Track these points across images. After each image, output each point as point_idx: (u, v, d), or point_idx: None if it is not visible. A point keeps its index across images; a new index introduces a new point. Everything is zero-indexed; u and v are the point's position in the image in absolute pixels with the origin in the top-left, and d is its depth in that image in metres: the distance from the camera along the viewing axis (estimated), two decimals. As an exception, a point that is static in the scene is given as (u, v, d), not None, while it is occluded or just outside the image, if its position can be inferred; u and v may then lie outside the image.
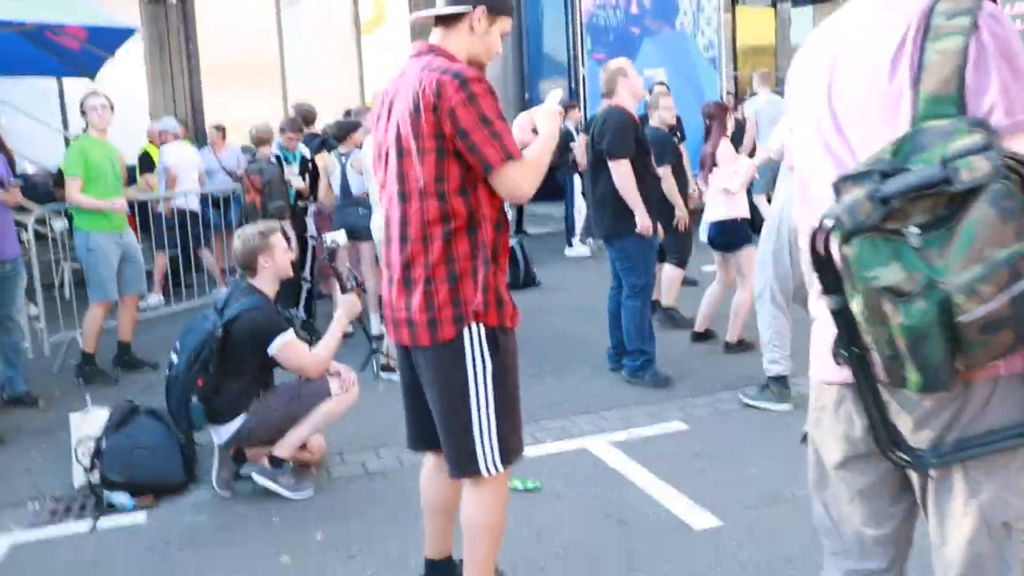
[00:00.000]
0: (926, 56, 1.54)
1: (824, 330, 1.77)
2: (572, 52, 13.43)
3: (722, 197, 6.08)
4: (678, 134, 9.08)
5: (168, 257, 8.71)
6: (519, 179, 2.55)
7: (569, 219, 10.93)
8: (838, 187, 1.53)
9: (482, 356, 2.61)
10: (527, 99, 14.31)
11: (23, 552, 3.73)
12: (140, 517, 4.00)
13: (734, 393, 5.29)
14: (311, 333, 6.73)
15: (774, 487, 3.97)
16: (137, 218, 7.76)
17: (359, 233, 6.57)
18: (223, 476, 4.20)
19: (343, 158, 6.87)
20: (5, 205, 5.45)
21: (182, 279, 8.64)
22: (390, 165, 2.65)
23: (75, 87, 6.88)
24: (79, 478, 4.28)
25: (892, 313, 1.44)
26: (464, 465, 2.69)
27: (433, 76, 2.49)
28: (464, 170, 2.54)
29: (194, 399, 4.07)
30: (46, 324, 6.82)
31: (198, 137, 11.61)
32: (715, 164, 6.14)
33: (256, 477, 4.14)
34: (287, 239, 6.33)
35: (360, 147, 6.62)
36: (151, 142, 9.71)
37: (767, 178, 7.08)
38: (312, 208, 7.68)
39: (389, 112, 2.66)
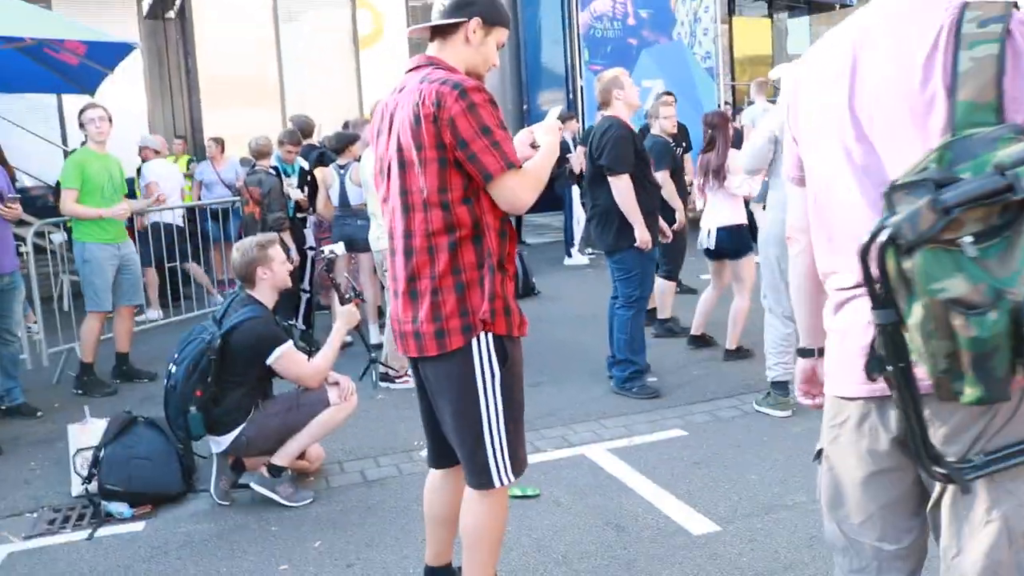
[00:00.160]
0: (960, 63, 1.52)
1: (844, 343, 1.75)
2: (570, 63, 13.48)
3: (726, 203, 6.08)
4: (683, 144, 9.12)
5: (167, 269, 8.70)
6: (518, 189, 2.54)
7: (568, 229, 10.95)
8: (890, 196, 1.49)
9: (491, 365, 2.60)
10: (525, 110, 14.35)
11: (21, 561, 3.72)
12: (138, 526, 3.99)
13: (733, 400, 5.30)
14: (310, 343, 6.74)
15: (773, 494, 3.96)
16: (136, 231, 7.78)
17: (357, 244, 6.59)
18: (221, 485, 4.19)
19: (341, 170, 6.89)
20: (5, 219, 5.46)
21: (180, 291, 8.65)
22: (392, 178, 2.65)
23: (74, 102, 6.91)
24: (77, 488, 4.27)
25: (963, 326, 1.41)
26: (477, 476, 2.68)
27: (433, 87, 2.49)
28: (467, 179, 2.53)
29: (192, 409, 4.06)
30: (45, 336, 6.83)
31: (197, 151, 11.66)
32: (726, 174, 6.08)
33: (254, 486, 4.13)
34: (286, 251, 6.36)
35: (358, 159, 6.64)
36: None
37: (763, 187, 7.08)
38: (311, 220, 7.70)
39: (390, 127, 2.66)
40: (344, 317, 4.41)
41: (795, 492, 3.97)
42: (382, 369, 5.93)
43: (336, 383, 4.28)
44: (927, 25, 1.58)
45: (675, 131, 6.97)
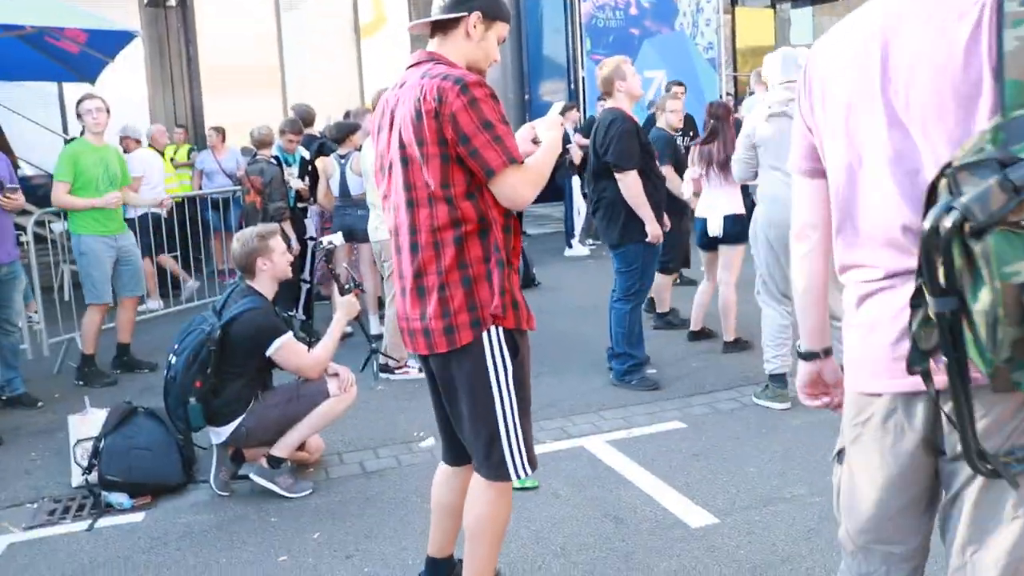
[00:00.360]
0: (1005, 44, 1.49)
1: (870, 338, 1.71)
2: (571, 54, 13.46)
3: (726, 194, 6.06)
4: (691, 134, 9.10)
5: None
6: (519, 185, 2.53)
7: (568, 220, 10.95)
8: (955, 176, 1.43)
9: (503, 359, 2.60)
10: (527, 100, 14.33)
11: (21, 551, 3.73)
12: (138, 517, 4.01)
13: (732, 393, 5.31)
14: (310, 334, 6.75)
15: (771, 486, 3.97)
16: (137, 222, 7.78)
17: (357, 234, 6.59)
18: (221, 476, 4.21)
19: (342, 160, 6.88)
20: (4, 209, 5.45)
21: (181, 280, 8.65)
22: (395, 175, 2.64)
23: (75, 91, 6.91)
24: (77, 478, 4.29)
25: None
26: (495, 470, 2.68)
27: (434, 82, 2.48)
28: (469, 175, 2.52)
29: (192, 400, 4.07)
30: (45, 326, 6.84)
31: (198, 140, 11.65)
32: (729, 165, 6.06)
33: (254, 477, 4.14)
34: (287, 241, 6.36)
35: (359, 149, 6.63)
36: (151, 146, 9.74)
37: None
38: (314, 210, 7.70)
39: (391, 123, 2.65)
40: (344, 308, 4.42)
41: (793, 485, 3.97)
42: (382, 360, 5.93)
43: (336, 374, 4.29)
44: (966, 5, 1.54)
45: (681, 125, 6.95)
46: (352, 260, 7.13)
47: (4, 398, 5.66)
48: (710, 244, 6.25)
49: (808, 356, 2.02)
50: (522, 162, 2.54)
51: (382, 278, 6.29)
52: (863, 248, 1.72)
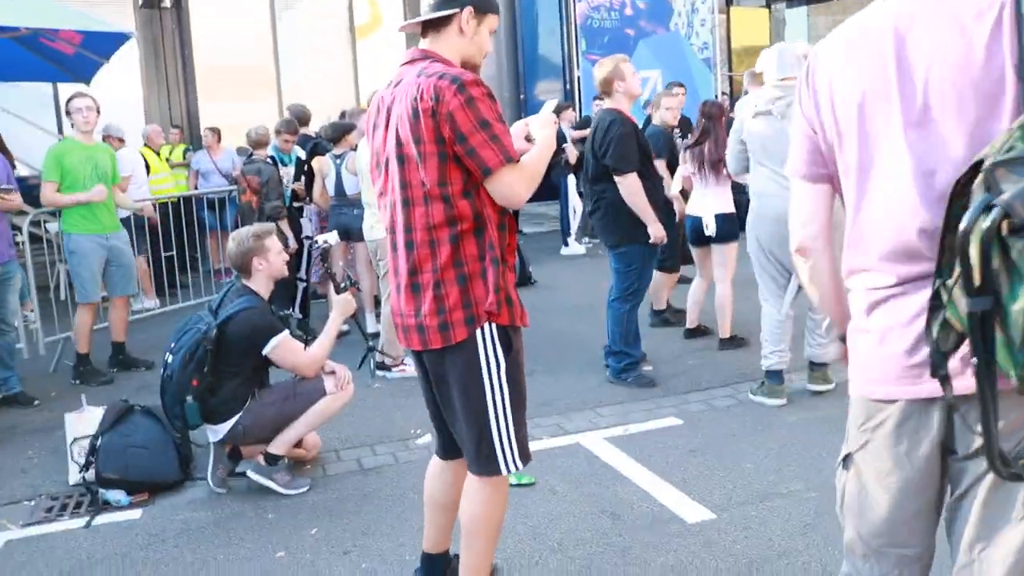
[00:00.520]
0: None
1: (883, 345, 1.68)
2: (567, 54, 13.48)
3: (717, 192, 6.08)
4: (689, 135, 9.11)
5: (163, 259, 8.69)
6: (515, 184, 2.54)
7: (564, 219, 10.96)
8: (992, 173, 1.39)
9: (496, 355, 2.61)
10: (522, 100, 14.35)
11: (19, 548, 3.74)
12: (135, 514, 4.01)
13: (728, 389, 5.32)
14: (306, 332, 6.75)
15: (768, 482, 3.99)
16: (132, 222, 7.77)
17: (353, 234, 6.60)
18: (219, 473, 4.21)
19: (337, 160, 6.89)
20: (0, 209, 5.44)
21: (177, 279, 8.65)
22: (391, 173, 2.65)
23: (70, 92, 6.89)
24: (74, 476, 4.29)
25: None
26: (486, 465, 2.69)
27: (431, 81, 2.49)
28: (466, 173, 2.54)
29: (189, 399, 4.07)
30: (41, 324, 6.83)
31: (193, 141, 11.65)
32: (723, 167, 6.06)
33: (251, 474, 4.15)
34: (284, 239, 6.36)
35: (355, 148, 6.64)
36: (146, 145, 9.74)
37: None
38: (312, 210, 7.70)
39: (387, 121, 2.65)
40: (340, 306, 4.42)
41: (789, 480, 3.99)
42: (379, 358, 5.93)
43: (332, 372, 4.30)
44: (983, 4, 1.53)
45: (676, 123, 6.96)
46: (348, 259, 7.13)
47: (1, 397, 5.66)
48: (701, 240, 6.27)
49: (843, 339, 1.98)
50: (518, 161, 2.55)
51: (378, 276, 6.30)
52: (874, 253, 1.69)
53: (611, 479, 4.12)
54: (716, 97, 12.36)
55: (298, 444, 4.34)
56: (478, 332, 2.59)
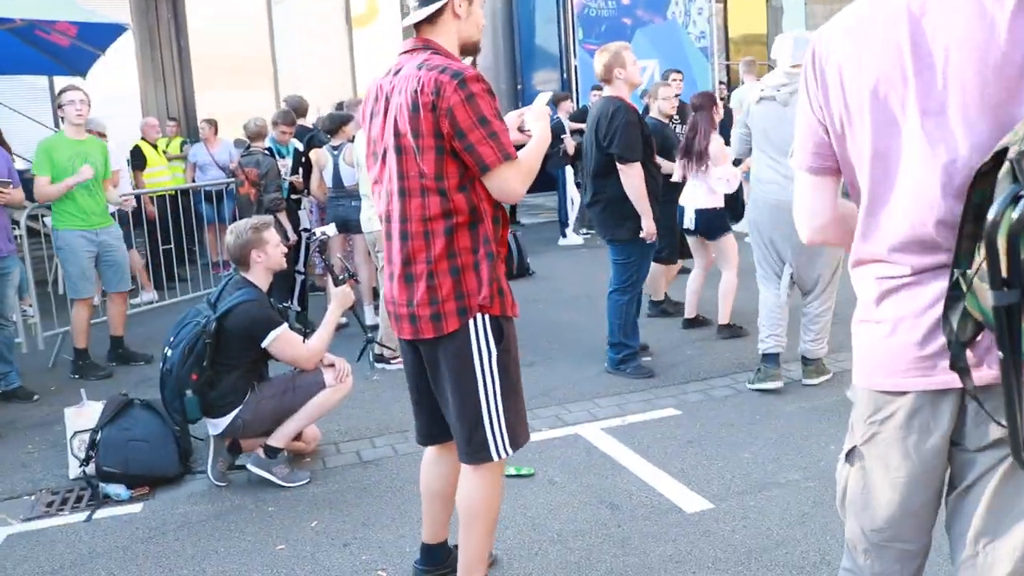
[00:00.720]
0: None
1: (894, 335, 1.65)
2: (564, 43, 13.45)
3: (704, 186, 6.10)
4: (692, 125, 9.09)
5: (161, 252, 8.68)
6: (513, 180, 2.56)
7: (562, 209, 10.96)
8: (1021, 163, 1.36)
9: (487, 345, 2.64)
10: (519, 90, 14.32)
11: (20, 543, 3.74)
12: (136, 508, 4.02)
13: (727, 379, 5.34)
14: (305, 325, 6.76)
15: (766, 472, 4.00)
16: (130, 215, 7.76)
17: (351, 225, 6.59)
18: (218, 467, 4.22)
19: (335, 151, 6.88)
20: (2, 204, 5.43)
21: (175, 273, 8.64)
22: (388, 163, 2.66)
23: (65, 84, 6.87)
24: (74, 470, 4.30)
25: None
26: (476, 452, 2.71)
27: (432, 75, 2.49)
28: (463, 167, 2.55)
29: (188, 392, 4.07)
30: (40, 319, 6.83)
31: (190, 133, 11.62)
32: (706, 159, 6.10)
33: (251, 467, 4.16)
34: (283, 231, 6.36)
35: (352, 140, 6.63)
36: (143, 138, 9.72)
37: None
38: (311, 202, 7.69)
39: (385, 109, 2.65)
40: (339, 298, 4.42)
41: (787, 470, 4.00)
42: (377, 350, 5.94)
43: (331, 365, 4.30)
44: None
45: (673, 112, 6.95)
46: (346, 251, 7.13)
47: (0, 392, 5.66)
48: (693, 231, 6.32)
49: None
50: (516, 158, 2.56)
51: (376, 268, 6.30)
52: (886, 243, 1.65)
53: (610, 470, 4.13)
54: (713, 86, 12.34)
55: (297, 437, 4.35)
56: (470, 323, 2.61)
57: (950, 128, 1.54)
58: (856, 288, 1.77)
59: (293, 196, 7.42)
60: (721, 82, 13.54)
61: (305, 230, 7.43)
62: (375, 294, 6.91)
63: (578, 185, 10.44)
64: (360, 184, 6.17)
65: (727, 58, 15.01)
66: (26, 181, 6.02)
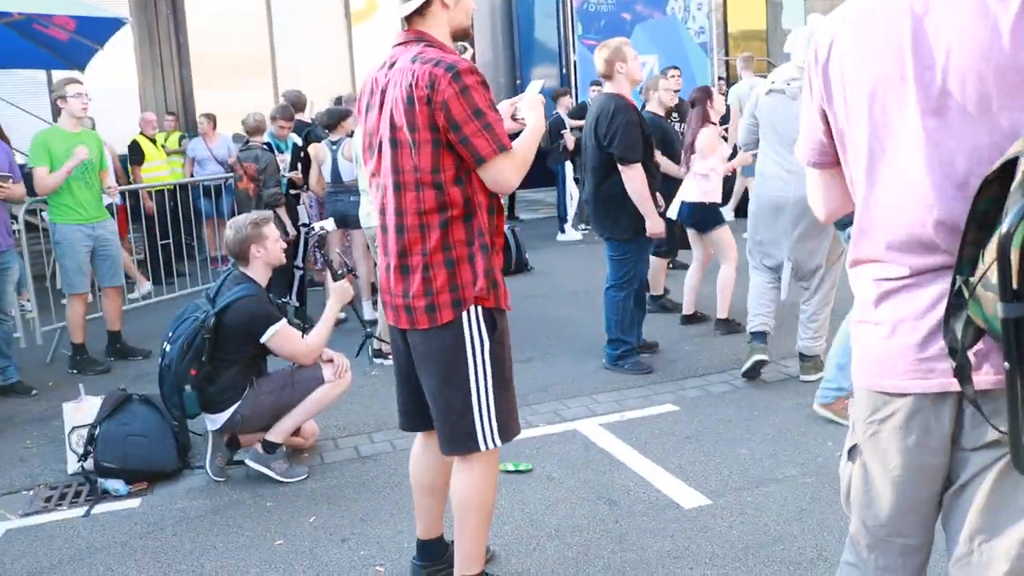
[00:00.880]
0: None
1: (893, 337, 1.65)
2: (563, 38, 13.42)
3: (697, 180, 6.12)
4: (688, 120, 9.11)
5: (159, 246, 8.67)
6: (508, 171, 2.58)
7: (561, 205, 10.96)
8: None
9: (480, 337, 2.66)
10: (518, 84, 14.29)
11: (19, 538, 3.75)
12: (134, 503, 4.03)
13: (725, 376, 5.34)
14: (303, 320, 6.76)
15: (763, 468, 4.01)
16: (128, 210, 7.75)
17: (350, 220, 6.59)
18: (217, 462, 4.22)
19: (334, 146, 6.88)
20: (1, 199, 5.42)
21: (174, 268, 8.64)
22: (384, 156, 2.67)
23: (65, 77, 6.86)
24: (72, 465, 4.30)
25: None
26: (462, 442, 2.72)
27: (426, 68, 2.50)
28: (458, 160, 2.57)
29: (187, 388, 4.07)
30: (38, 314, 6.83)
31: (188, 128, 11.60)
32: (693, 151, 6.17)
33: (250, 462, 4.16)
34: (282, 226, 6.35)
35: (351, 135, 6.63)
36: (142, 133, 9.71)
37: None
38: (311, 197, 7.68)
39: (380, 102, 2.66)
40: (337, 294, 4.42)
41: (785, 466, 4.01)
42: (376, 345, 5.94)
43: (330, 360, 4.31)
44: None
45: (675, 102, 6.96)
46: (345, 246, 7.13)
47: (-2, 386, 5.67)
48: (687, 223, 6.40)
49: None
50: (511, 148, 2.57)
51: (375, 263, 6.29)
52: (884, 243, 1.65)
53: (608, 465, 4.14)
54: (712, 82, 12.33)
55: (296, 432, 4.35)
56: (464, 314, 2.64)
57: (949, 129, 1.53)
58: (854, 288, 1.77)
59: (292, 191, 7.42)
60: (720, 78, 13.54)
61: (304, 225, 7.43)
62: (374, 289, 6.91)
63: (577, 181, 10.44)
64: (359, 179, 6.16)
65: (726, 54, 15.00)
66: (26, 176, 6.01)
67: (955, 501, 1.69)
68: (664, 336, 6.21)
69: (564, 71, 13.54)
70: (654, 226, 5.26)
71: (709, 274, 6.50)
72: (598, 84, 9.47)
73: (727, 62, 14.97)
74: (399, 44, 2.68)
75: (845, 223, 4.25)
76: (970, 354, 1.51)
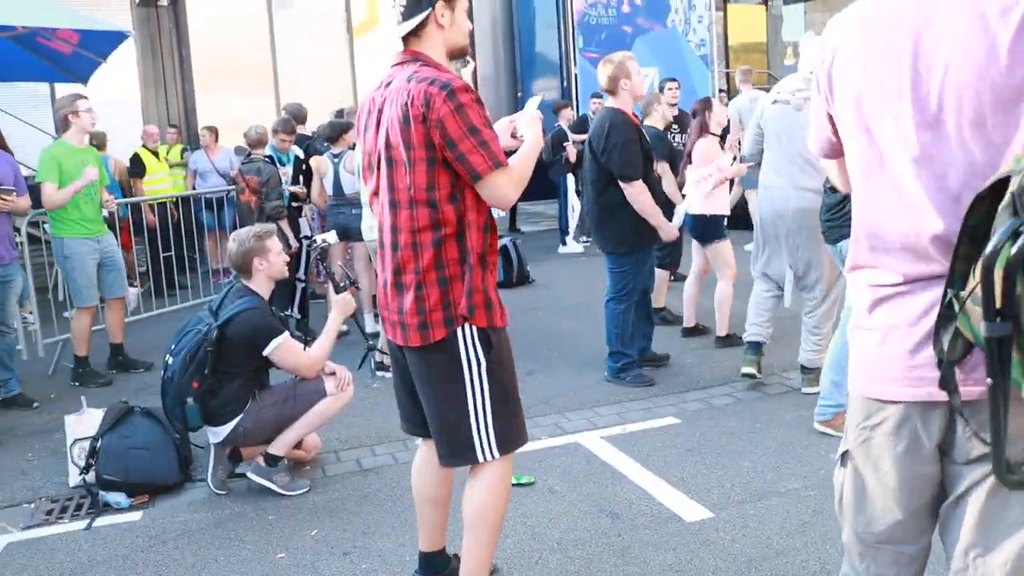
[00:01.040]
0: None
1: (885, 344, 1.66)
2: (564, 50, 13.47)
3: (697, 191, 6.14)
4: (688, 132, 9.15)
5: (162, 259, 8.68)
6: (505, 187, 2.59)
7: (563, 217, 10.98)
8: (1022, 198, 1.35)
9: (476, 354, 2.66)
10: (519, 97, 14.35)
11: (20, 551, 3.74)
12: (136, 516, 4.02)
13: (726, 388, 5.34)
14: (306, 333, 6.76)
15: (766, 481, 4.00)
16: (131, 223, 7.77)
17: (352, 233, 6.60)
18: (219, 475, 4.22)
19: (336, 159, 6.90)
20: (6, 212, 5.43)
21: (176, 280, 8.65)
22: (381, 175, 2.70)
23: (67, 92, 6.88)
24: (74, 478, 4.30)
25: None
26: (460, 455, 2.74)
27: (421, 87, 2.53)
28: (454, 177, 2.59)
29: (190, 401, 4.07)
30: (40, 326, 6.83)
31: (191, 140, 11.64)
32: (691, 161, 6.22)
33: (252, 475, 4.16)
34: (285, 239, 6.36)
35: (353, 147, 6.65)
36: (144, 145, 9.74)
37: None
38: (313, 210, 7.70)
39: (378, 122, 2.69)
40: (339, 306, 4.43)
41: (787, 479, 4.00)
42: (378, 358, 5.94)
43: (333, 373, 4.31)
44: (1007, 5, 1.47)
45: (676, 113, 6.99)
46: (347, 258, 7.14)
47: (0, 399, 5.66)
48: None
49: None
50: (507, 164, 2.59)
51: (377, 276, 6.29)
52: (879, 250, 1.67)
53: (610, 478, 4.13)
54: (713, 94, 12.36)
55: (298, 445, 4.35)
56: (458, 331, 2.65)
57: (944, 143, 1.55)
58: (852, 293, 1.80)
59: (294, 204, 7.43)
60: (721, 90, 13.57)
61: (306, 237, 7.44)
62: (375, 301, 6.91)
63: (579, 193, 10.46)
64: (361, 192, 6.17)
65: (727, 66, 15.03)
66: (30, 188, 6.02)
67: (951, 514, 1.69)
68: (665, 348, 6.20)
69: (565, 84, 13.59)
70: (668, 233, 5.35)
71: (708, 287, 6.50)
72: (598, 96, 9.50)
73: (728, 74, 15.01)
74: (396, 64, 2.71)
75: (835, 239, 4.27)
76: (959, 367, 1.52)
